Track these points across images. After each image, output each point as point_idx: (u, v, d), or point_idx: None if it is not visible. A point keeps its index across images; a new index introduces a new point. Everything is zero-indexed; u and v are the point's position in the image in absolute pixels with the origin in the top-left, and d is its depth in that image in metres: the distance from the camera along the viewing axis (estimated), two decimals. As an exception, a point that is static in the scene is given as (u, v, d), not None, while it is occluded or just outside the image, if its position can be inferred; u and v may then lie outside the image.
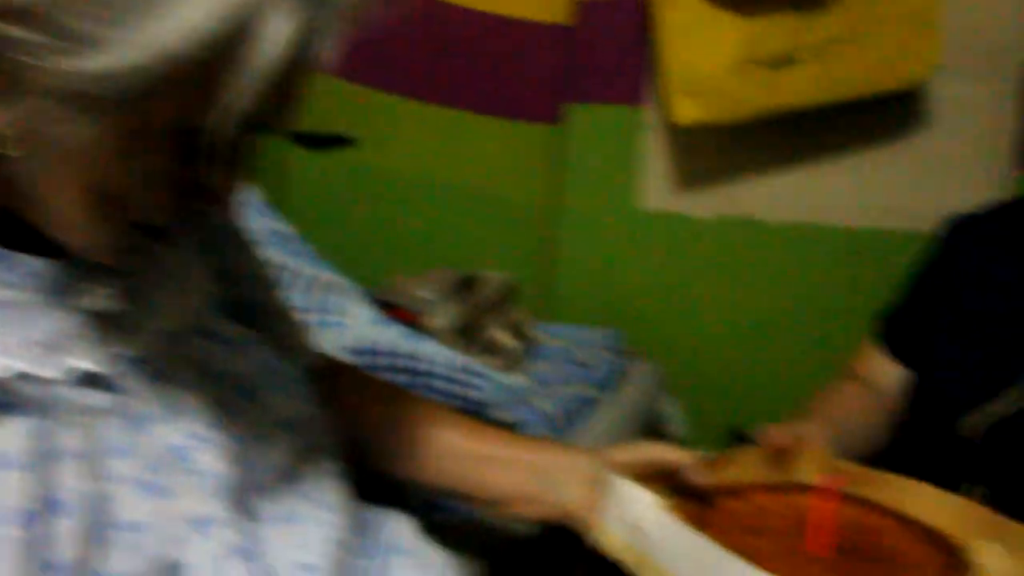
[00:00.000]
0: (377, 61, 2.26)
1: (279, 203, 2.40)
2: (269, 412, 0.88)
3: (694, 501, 0.90)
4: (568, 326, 1.97)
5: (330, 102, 2.35)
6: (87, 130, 0.57)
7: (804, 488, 0.96)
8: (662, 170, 2.03)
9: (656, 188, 2.05)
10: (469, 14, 2.12)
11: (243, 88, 0.58)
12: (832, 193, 1.92)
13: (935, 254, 1.21)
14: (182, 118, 0.59)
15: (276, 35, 0.57)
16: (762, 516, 0.92)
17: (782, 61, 1.76)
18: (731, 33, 1.76)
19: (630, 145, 2.05)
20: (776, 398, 1.96)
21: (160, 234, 0.68)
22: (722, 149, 1.97)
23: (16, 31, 0.55)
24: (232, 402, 0.84)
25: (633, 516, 0.86)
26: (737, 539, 0.80)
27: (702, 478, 0.97)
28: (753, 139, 1.92)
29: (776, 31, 1.76)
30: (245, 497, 0.83)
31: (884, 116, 1.85)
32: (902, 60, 1.76)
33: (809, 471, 0.99)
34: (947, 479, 0.99)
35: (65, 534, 0.68)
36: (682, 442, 1.97)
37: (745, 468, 0.99)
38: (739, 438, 1.01)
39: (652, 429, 1.85)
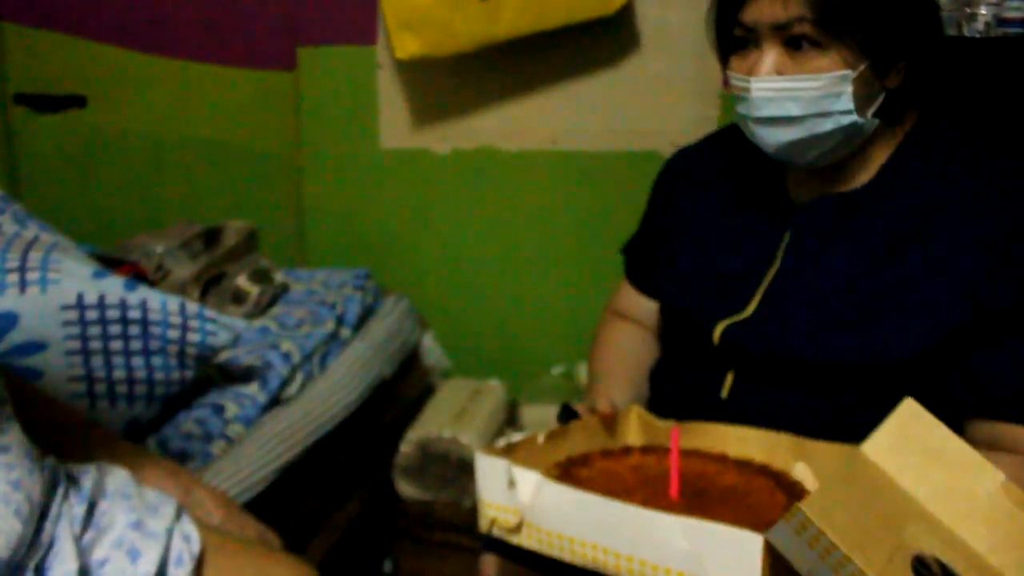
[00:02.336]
0: (105, 16, 2.17)
1: (10, 168, 2.28)
2: None
3: (550, 475, 0.95)
4: (317, 269, 1.97)
5: (58, 61, 2.24)
6: None
7: (636, 449, 1.08)
8: (398, 108, 2.05)
9: (394, 126, 2.06)
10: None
11: None
12: (560, 119, 2.00)
13: (655, 192, 1.28)
14: None
15: None
16: (612, 479, 1.00)
17: (496, -7, 1.81)
18: (446, -35, 1.79)
19: (365, 85, 2.05)
20: (532, 318, 2.06)
21: None
22: (453, 83, 2.01)
23: None
24: None
25: (515, 489, 0.91)
26: None
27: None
28: (480, 71, 1.97)
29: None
30: None
31: (598, 42, 1.93)
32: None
33: (634, 433, 1.12)
34: (703, 377, 1.12)
35: None
36: (445, 373, 2.02)
37: (583, 439, 1.08)
38: (569, 413, 1.10)
39: (411, 362, 1.88)
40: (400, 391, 1.82)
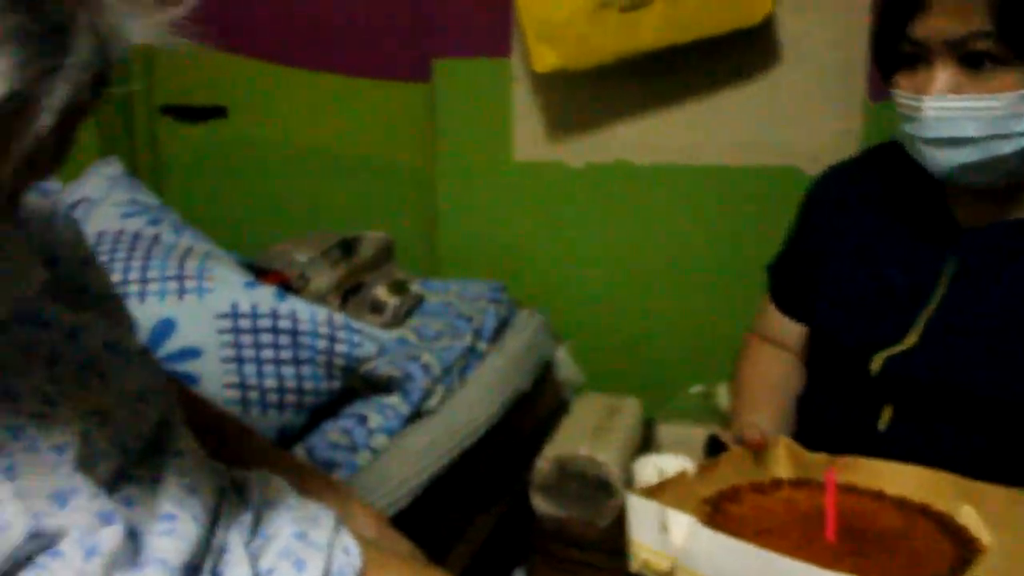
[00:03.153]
0: (246, 29, 2.22)
1: (156, 177, 2.35)
2: (120, 386, 0.89)
3: (702, 513, 0.92)
4: (451, 281, 1.97)
5: (201, 73, 2.30)
6: None
7: (786, 483, 1.03)
8: (532, 120, 2.04)
9: (528, 138, 2.06)
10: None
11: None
12: (698, 133, 1.96)
13: (804, 211, 1.23)
14: None
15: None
16: (765, 516, 0.96)
17: (635, 4, 1.78)
18: (585, -24, 1.77)
19: (499, 97, 2.05)
20: (666, 335, 2.02)
21: None
22: (589, 95, 1.99)
23: None
24: (79, 380, 0.85)
25: (668, 533, 0.88)
26: (753, 541, 0.83)
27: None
28: (617, 84, 1.95)
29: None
30: (102, 464, 0.83)
31: (737, 54, 1.89)
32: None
33: (784, 466, 1.06)
34: (857, 408, 1.06)
35: None
36: (578, 388, 1.99)
37: (732, 471, 1.04)
38: (716, 446, 1.06)
39: (545, 377, 1.86)
40: (534, 406, 1.81)
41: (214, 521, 0.92)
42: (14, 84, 0.55)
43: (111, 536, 0.81)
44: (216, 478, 0.95)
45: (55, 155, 0.66)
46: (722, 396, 1.81)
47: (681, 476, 1.00)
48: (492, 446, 1.61)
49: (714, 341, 1.82)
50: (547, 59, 1.81)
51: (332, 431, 1.39)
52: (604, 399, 1.85)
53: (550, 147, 2.04)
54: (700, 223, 1.99)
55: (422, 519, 1.39)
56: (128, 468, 0.88)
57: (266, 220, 2.29)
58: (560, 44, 1.79)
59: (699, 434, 1.77)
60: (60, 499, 0.77)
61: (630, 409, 1.80)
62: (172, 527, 0.85)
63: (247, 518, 0.94)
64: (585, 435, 1.69)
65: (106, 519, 0.80)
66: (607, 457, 1.61)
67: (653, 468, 1.57)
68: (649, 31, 1.79)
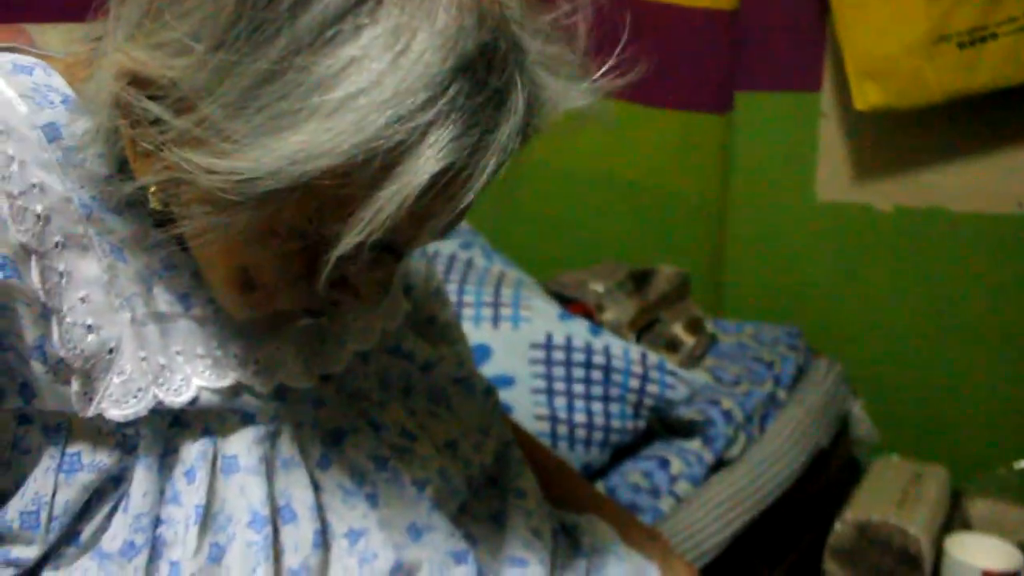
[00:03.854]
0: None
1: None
2: (464, 420, 0.89)
3: None
4: (742, 322, 1.89)
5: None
6: (213, 219, 0.55)
7: None
8: (838, 159, 1.94)
9: (832, 178, 1.95)
10: (634, 3, 2.06)
11: (372, 215, 0.54)
12: (1028, 180, 1.79)
13: None
14: (311, 227, 0.57)
15: (421, 170, 0.53)
16: None
17: (975, 38, 1.64)
18: (917, 8, 1.65)
19: (804, 133, 1.96)
20: (977, 400, 1.85)
21: (318, 315, 0.67)
22: (905, 135, 1.86)
23: (158, 110, 0.54)
24: (430, 412, 0.85)
25: None
26: None
27: None
28: (941, 123, 1.81)
29: (968, 4, 1.64)
30: (452, 500, 0.82)
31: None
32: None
33: None
34: None
35: (294, 541, 0.68)
36: (873, 448, 1.86)
37: None
38: None
39: (839, 432, 1.75)
40: (828, 462, 1.70)
41: (552, 566, 0.90)
42: (450, 157, 0.53)
43: (463, 575, 0.80)
44: (552, 521, 0.94)
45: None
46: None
47: None
48: (789, 502, 1.52)
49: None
50: (870, 96, 1.71)
51: (632, 472, 1.35)
52: (906, 464, 1.72)
53: (856, 188, 1.93)
54: (1016, 280, 1.81)
55: (719, 574, 1.33)
56: (469, 503, 0.87)
57: (548, 245, 2.29)
58: (887, 81, 1.68)
59: (1018, 515, 1.61)
60: (415, 533, 0.77)
61: (936, 478, 1.66)
62: (523, 573, 0.84)
63: (581, 565, 0.92)
64: (889, 502, 1.57)
65: (459, 558, 0.80)
66: (916, 530, 1.48)
67: (970, 549, 1.43)
68: (989, 69, 1.64)
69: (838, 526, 1.56)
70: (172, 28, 0.53)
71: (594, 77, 0.61)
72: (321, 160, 0.51)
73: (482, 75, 0.54)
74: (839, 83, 1.87)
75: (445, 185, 0.55)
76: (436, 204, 0.56)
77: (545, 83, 0.58)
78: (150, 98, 0.55)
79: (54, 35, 1.23)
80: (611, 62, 0.64)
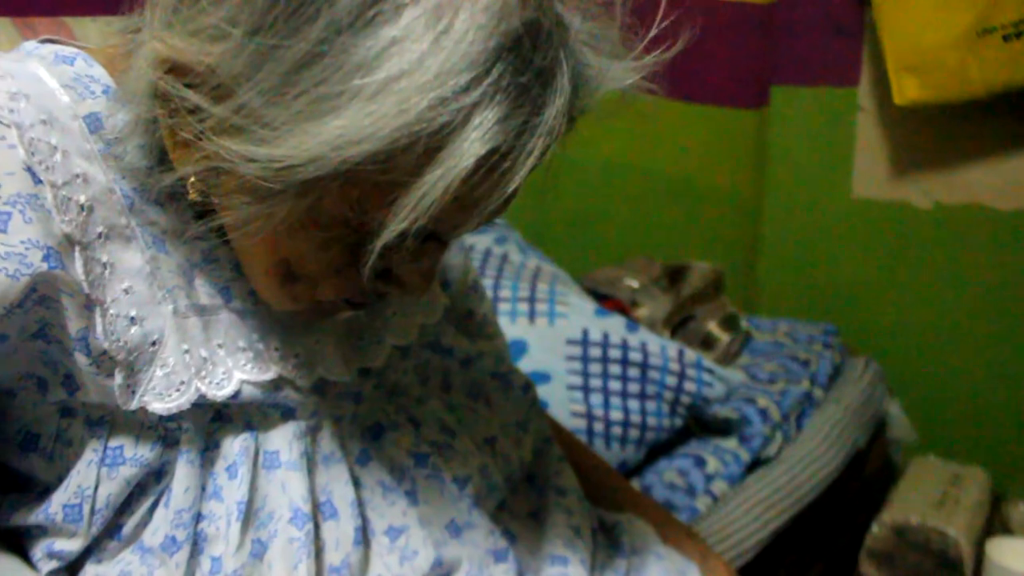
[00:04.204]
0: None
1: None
2: (503, 415, 0.88)
3: None
4: (776, 319, 1.87)
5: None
6: (253, 208, 0.54)
7: None
8: (876, 155, 1.91)
9: (869, 174, 1.92)
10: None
11: (416, 201, 0.52)
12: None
13: None
14: (354, 215, 0.55)
15: (466, 153, 0.51)
16: None
17: (1021, 30, 1.61)
18: (961, 1, 1.62)
19: (840, 128, 1.93)
20: (1008, 402, 1.82)
21: (359, 306, 0.65)
22: (945, 130, 1.82)
23: (196, 98, 0.53)
24: (469, 408, 0.84)
25: None
26: None
27: None
28: (982, 118, 1.77)
29: (1013, -3, 1.61)
30: (491, 498, 0.81)
31: None
32: None
33: None
34: None
35: (335, 537, 0.67)
36: (910, 448, 1.84)
37: None
38: None
39: (876, 432, 1.73)
40: (864, 463, 1.67)
41: (591, 565, 0.89)
42: (495, 140, 0.52)
43: (503, 573, 0.79)
44: (591, 519, 0.92)
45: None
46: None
47: None
48: (826, 503, 1.50)
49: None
50: (910, 91, 1.68)
51: (668, 470, 1.34)
52: (945, 466, 1.69)
53: (894, 185, 1.90)
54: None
55: (755, 574, 1.31)
56: (508, 500, 0.86)
57: (581, 241, 2.28)
58: (928, 75, 1.65)
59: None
60: (454, 530, 0.76)
61: (976, 480, 1.63)
62: (564, 572, 0.82)
63: (621, 564, 0.91)
64: (928, 504, 1.54)
65: (499, 556, 0.79)
66: (957, 532, 1.46)
67: (1013, 554, 1.40)
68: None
69: (875, 528, 1.53)
70: (209, 13, 0.52)
71: (635, 53, 0.59)
72: (363, 145, 0.50)
73: (527, 54, 0.52)
74: (877, 77, 1.84)
75: (491, 169, 0.53)
76: (482, 189, 0.54)
77: (589, 61, 0.57)
78: (188, 86, 0.54)
79: (93, 28, 1.23)
80: (653, 31, 0.62)
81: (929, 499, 1.56)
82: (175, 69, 0.54)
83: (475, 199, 0.55)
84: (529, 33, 0.52)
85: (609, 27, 0.59)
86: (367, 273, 0.58)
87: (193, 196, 0.58)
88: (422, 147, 0.51)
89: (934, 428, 1.86)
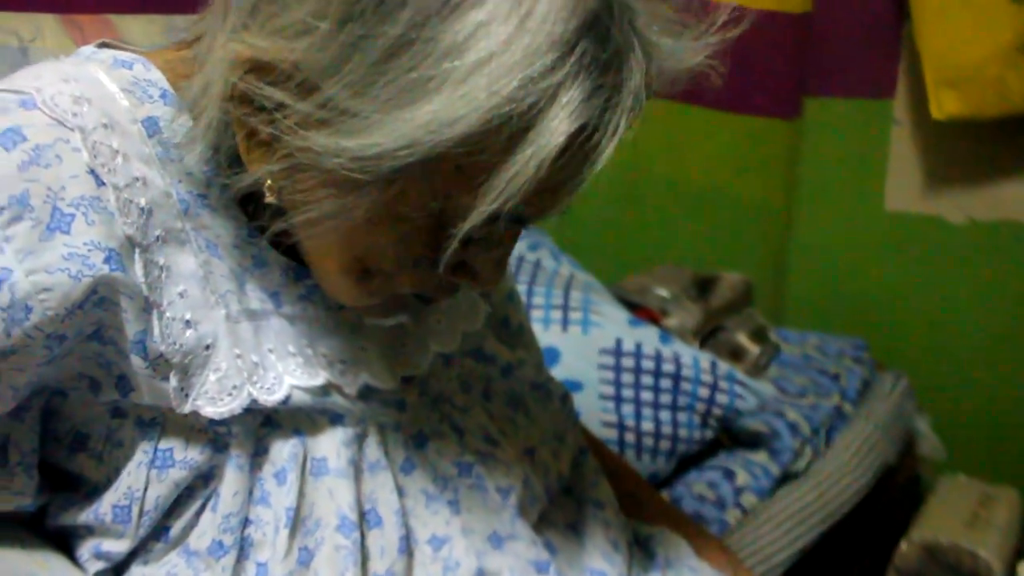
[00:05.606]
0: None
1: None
2: (541, 426, 0.87)
3: None
4: (805, 332, 1.85)
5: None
6: (338, 202, 0.55)
7: None
8: (910, 168, 1.89)
9: (903, 188, 1.91)
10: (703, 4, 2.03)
11: (507, 182, 0.53)
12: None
13: None
14: (437, 203, 0.56)
15: (555, 132, 0.52)
16: None
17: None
18: (1003, 15, 1.61)
19: (874, 141, 1.92)
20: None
21: (429, 301, 0.66)
22: (980, 145, 1.81)
23: (280, 95, 0.53)
24: (508, 417, 0.84)
25: None
26: None
27: None
28: (1017, 134, 1.76)
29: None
30: (533, 509, 0.81)
31: None
32: None
33: None
34: None
35: (380, 546, 0.67)
36: (938, 466, 1.82)
37: None
38: None
39: (905, 449, 1.71)
40: (893, 479, 1.66)
41: (626, 580, 0.88)
42: (582, 117, 0.53)
43: None
44: (628, 532, 0.92)
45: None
46: None
47: None
48: (854, 520, 1.49)
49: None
50: (948, 105, 1.67)
51: (697, 483, 1.33)
52: (975, 485, 1.67)
53: (927, 199, 1.89)
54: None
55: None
56: (547, 512, 0.86)
57: (610, 248, 2.27)
58: (968, 90, 1.64)
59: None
60: (496, 541, 0.76)
61: (1008, 501, 1.62)
62: (603, 584, 0.82)
63: (655, 578, 0.90)
64: (959, 523, 1.52)
65: (541, 568, 0.78)
66: (989, 554, 1.44)
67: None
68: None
69: (904, 546, 1.52)
70: (293, 9, 0.52)
71: (697, 33, 0.60)
72: (456, 128, 0.51)
73: (605, 32, 0.54)
74: (913, 90, 1.83)
75: (579, 147, 0.54)
76: (570, 168, 0.55)
77: (656, 42, 0.57)
78: (270, 85, 0.54)
79: (136, 25, 1.24)
80: (725, 17, 0.61)
81: (960, 519, 1.55)
82: (256, 69, 0.54)
83: (563, 179, 0.56)
84: (605, 12, 0.54)
85: (666, 10, 0.60)
86: (445, 264, 0.59)
87: (270, 198, 0.58)
88: (513, 127, 0.52)
89: (962, 446, 1.84)
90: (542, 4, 0.51)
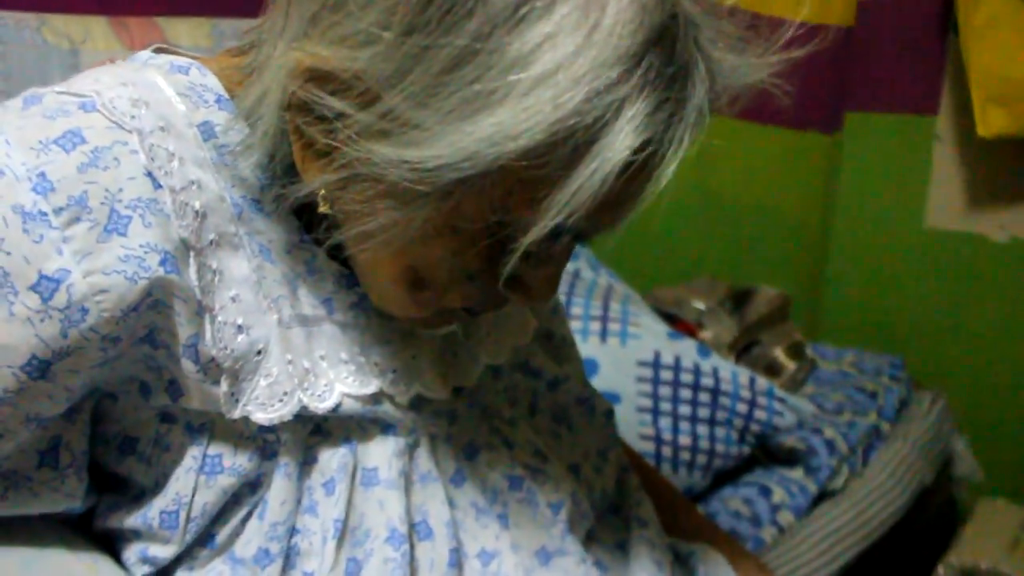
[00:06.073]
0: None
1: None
2: (585, 442, 0.86)
3: None
4: (841, 348, 1.83)
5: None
6: (395, 214, 0.54)
7: None
8: (952, 185, 1.87)
9: (944, 205, 1.88)
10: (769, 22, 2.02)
11: (570, 196, 0.52)
12: None
13: None
14: (495, 216, 0.55)
15: (620, 146, 0.51)
16: None
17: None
18: (1052, 32, 1.59)
19: (916, 158, 1.89)
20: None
21: (477, 314, 0.65)
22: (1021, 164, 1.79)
23: (341, 104, 0.53)
24: (553, 432, 0.83)
25: None
26: None
27: None
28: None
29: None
30: (581, 525, 0.80)
31: None
32: None
33: None
34: None
35: (430, 559, 0.66)
36: (975, 488, 1.79)
37: None
38: None
39: (941, 469, 1.69)
40: (929, 501, 1.63)
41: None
42: (647, 132, 0.52)
43: None
44: (669, 552, 0.91)
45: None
46: None
47: None
48: (890, 541, 1.46)
49: None
50: (995, 123, 1.64)
51: (732, 499, 1.32)
52: (1013, 508, 1.64)
53: (969, 217, 1.86)
54: None
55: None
56: (595, 529, 0.85)
57: (644, 260, 2.25)
58: (1016, 107, 1.61)
59: None
60: (544, 557, 0.75)
61: (1047, 525, 1.59)
62: (649, 605, 0.81)
63: (697, 598, 0.89)
64: (999, 547, 1.50)
65: None
66: (1028, 579, 1.42)
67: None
68: None
69: (941, 570, 1.50)
70: (357, 18, 0.52)
71: (759, 51, 0.59)
72: (519, 140, 0.50)
73: (671, 47, 0.53)
74: (957, 107, 1.81)
75: (642, 162, 0.53)
76: (634, 184, 0.54)
77: (718, 57, 0.56)
78: (330, 94, 0.53)
79: (182, 28, 1.24)
80: (789, 35, 0.61)
81: (1000, 543, 1.53)
82: (316, 78, 0.54)
83: (625, 194, 0.55)
84: (671, 27, 0.53)
85: (729, 27, 0.59)
86: (502, 278, 0.58)
87: (324, 208, 0.58)
88: (577, 141, 0.51)
89: (1001, 468, 1.81)
90: (609, 17, 0.51)
